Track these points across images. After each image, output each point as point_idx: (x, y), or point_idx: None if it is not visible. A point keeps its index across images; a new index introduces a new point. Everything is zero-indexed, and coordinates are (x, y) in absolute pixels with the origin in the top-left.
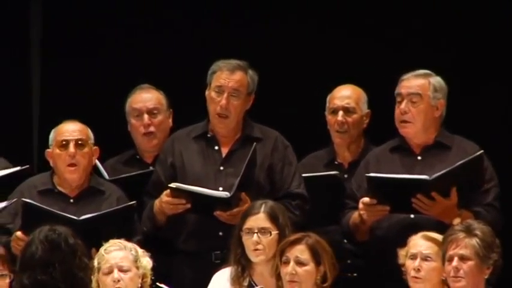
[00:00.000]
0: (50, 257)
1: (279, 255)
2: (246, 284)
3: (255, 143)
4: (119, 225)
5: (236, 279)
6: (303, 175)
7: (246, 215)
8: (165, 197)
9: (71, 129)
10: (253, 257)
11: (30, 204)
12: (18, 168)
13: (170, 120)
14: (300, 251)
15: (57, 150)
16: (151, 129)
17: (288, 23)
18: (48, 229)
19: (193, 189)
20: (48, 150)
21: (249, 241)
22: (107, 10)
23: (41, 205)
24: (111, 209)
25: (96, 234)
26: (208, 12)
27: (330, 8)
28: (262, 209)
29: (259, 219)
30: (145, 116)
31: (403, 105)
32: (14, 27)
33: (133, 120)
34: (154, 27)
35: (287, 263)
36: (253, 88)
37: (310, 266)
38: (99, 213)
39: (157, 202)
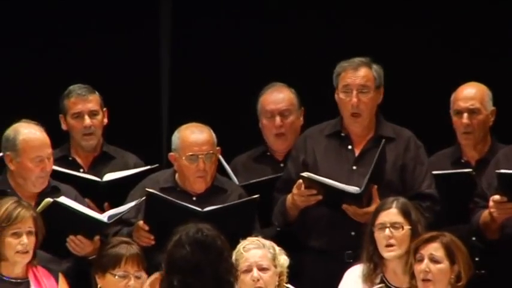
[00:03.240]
0: (200, 259)
1: (413, 253)
2: (377, 281)
3: (383, 140)
4: (240, 219)
5: (368, 277)
6: (434, 172)
7: (378, 210)
8: (296, 189)
9: (199, 142)
10: (385, 253)
11: (154, 194)
12: (148, 167)
13: (301, 119)
14: (435, 249)
15: (186, 163)
16: (283, 130)
17: (413, 23)
18: (196, 230)
19: (325, 180)
20: (171, 154)
21: (381, 236)
22: (233, 12)
23: (165, 196)
24: (234, 202)
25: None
26: (341, 10)
27: (457, 8)
28: (394, 204)
29: (391, 214)
30: (278, 118)
31: None
32: (143, 31)
33: (265, 120)
34: (283, 23)
35: (421, 260)
36: (380, 82)
37: (445, 264)
38: (222, 205)
39: (289, 197)
